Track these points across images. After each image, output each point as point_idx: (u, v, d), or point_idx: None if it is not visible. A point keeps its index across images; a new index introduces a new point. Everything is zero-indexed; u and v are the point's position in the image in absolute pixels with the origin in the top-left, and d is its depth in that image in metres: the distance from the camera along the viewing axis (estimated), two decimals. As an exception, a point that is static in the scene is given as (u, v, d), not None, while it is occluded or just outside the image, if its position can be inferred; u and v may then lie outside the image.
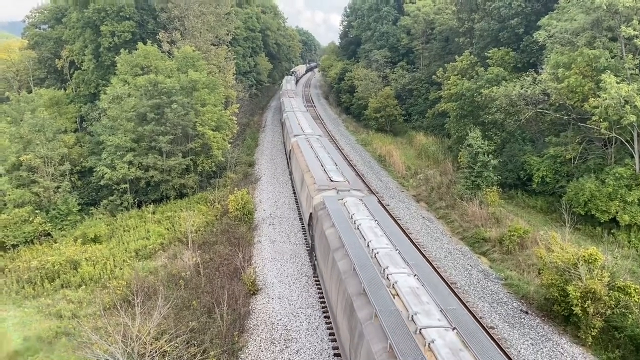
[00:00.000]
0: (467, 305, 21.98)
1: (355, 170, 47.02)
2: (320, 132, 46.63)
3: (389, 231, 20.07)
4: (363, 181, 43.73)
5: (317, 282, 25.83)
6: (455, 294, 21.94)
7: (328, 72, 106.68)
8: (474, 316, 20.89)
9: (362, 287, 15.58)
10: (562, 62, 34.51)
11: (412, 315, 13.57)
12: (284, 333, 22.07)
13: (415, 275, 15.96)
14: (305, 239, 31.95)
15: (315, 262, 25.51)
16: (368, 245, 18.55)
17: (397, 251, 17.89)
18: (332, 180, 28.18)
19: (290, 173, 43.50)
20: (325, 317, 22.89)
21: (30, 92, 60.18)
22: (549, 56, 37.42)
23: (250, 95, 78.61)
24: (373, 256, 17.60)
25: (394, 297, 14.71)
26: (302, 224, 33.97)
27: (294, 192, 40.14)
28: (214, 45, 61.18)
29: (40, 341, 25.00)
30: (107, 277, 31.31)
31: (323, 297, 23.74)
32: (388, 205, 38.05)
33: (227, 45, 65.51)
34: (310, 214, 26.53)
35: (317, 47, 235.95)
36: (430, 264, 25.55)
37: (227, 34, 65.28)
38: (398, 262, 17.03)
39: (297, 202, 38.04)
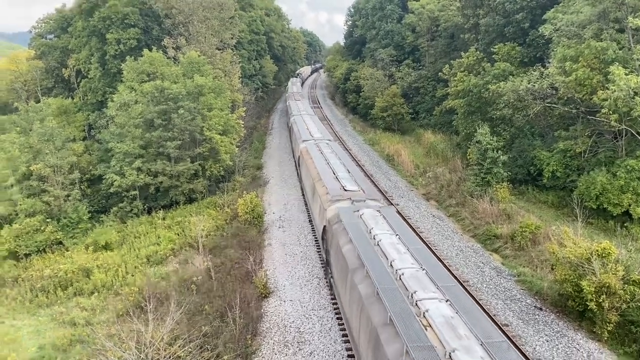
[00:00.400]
0: (506, 333, 19.99)
1: (364, 171, 46.89)
2: (330, 136, 45.65)
3: (412, 247, 18.43)
4: (374, 184, 43.56)
5: (334, 301, 24.93)
6: (494, 321, 20.01)
7: (333, 73, 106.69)
8: (519, 350, 18.81)
9: (389, 316, 13.90)
10: (569, 55, 34.24)
11: (450, 353, 11.87)
12: (296, 335, 22.03)
13: (447, 301, 14.34)
14: (315, 241, 31.86)
15: (332, 280, 24.05)
16: (391, 265, 16.96)
17: (424, 271, 16.30)
18: (346, 190, 26.68)
19: (300, 180, 42.53)
20: (337, 318, 22.82)
21: (38, 101, 60.62)
22: (555, 50, 37.15)
23: (256, 99, 78.75)
24: (398, 278, 16.02)
25: (426, 329, 13.03)
26: (312, 225, 33.88)
27: (303, 195, 39.95)
28: (219, 49, 61.36)
29: (55, 349, 25.16)
30: (119, 283, 31.48)
31: (335, 299, 23.57)
32: (398, 204, 37.91)
33: (232, 49, 65.68)
34: (324, 226, 25.14)
35: (322, 47, 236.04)
36: (462, 284, 23.20)
37: (232, 38, 65.46)
38: (427, 285, 15.32)
39: (306, 205, 37.91)
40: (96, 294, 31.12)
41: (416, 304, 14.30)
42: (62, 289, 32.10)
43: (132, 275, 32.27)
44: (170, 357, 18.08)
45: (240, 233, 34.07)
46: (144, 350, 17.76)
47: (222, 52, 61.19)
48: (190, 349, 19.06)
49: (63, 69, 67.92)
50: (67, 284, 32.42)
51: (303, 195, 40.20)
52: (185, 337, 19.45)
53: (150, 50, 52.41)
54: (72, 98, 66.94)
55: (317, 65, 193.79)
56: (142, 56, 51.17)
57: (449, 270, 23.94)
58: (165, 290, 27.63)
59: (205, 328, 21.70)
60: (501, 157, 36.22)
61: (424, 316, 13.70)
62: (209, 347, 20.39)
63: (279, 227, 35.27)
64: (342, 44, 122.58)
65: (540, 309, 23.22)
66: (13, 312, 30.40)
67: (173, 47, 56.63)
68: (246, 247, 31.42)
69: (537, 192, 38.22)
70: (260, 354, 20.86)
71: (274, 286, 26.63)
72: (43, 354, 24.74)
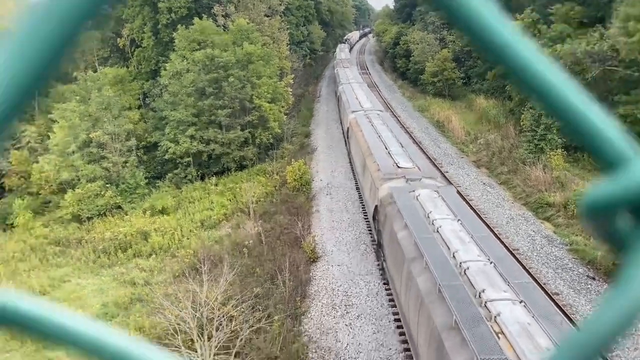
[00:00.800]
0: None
1: (413, 138, 46.42)
2: (381, 106, 44.21)
3: (477, 236, 16.46)
4: (425, 154, 43.10)
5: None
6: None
7: (382, 37, 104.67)
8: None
9: (454, 319, 12.22)
10: (633, 15, 32.32)
11: None
12: (344, 299, 22.58)
13: (522, 303, 12.43)
14: (362, 208, 32.11)
15: (384, 264, 22.63)
16: (454, 256, 15.28)
17: (492, 264, 14.47)
18: (399, 167, 24.79)
19: (349, 152, 41.74)
20: (384, 283, 23.18)
21: (95, 71, 62.69)
22: (618, 9, 35.12)
23: (304, 65, 78.59)
24: (462, 273, 14.34)
25: (498, 337, 11.34)
26: (359, 193, 34.09)
27: (351, 165, 39.88)
28: (267, 16, 61.31)
29: (117, 306, 26.82)
30: (175, 246, 32.94)
31: (382, 267, 23.88)
32: (447, 172, 37.53)
33: (280, 16, 65.50)
34: (376, 206, 23.73)
35: (371, 12, 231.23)
36: (537, 281, 20.70)
37: (280, 4, 65.18)
38: (496, 282, 13.45)
39: (353, 173, 38.00)
40: (154, 255, 32.71)
41: (485, 306, 12.53)
42: (122, 250, 33.88)
43: (188, 239, 33.67)
44: (223, 316, 19.00)
45: (289, 199, 34.77)
46: (199, 310, 18.75)
47: (270, 19, 61.15)
48: (242, 309, 19.94)
49: (118, 39, 69.74)
50: (127, 246, 34.18)
51: (351, 165, 40.17)
52: (238, 298, 20.34)
53: (201, 18, 53.00)
54: (127, 67, 68.81)
55: (366, 30, 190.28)
56: (193, 25, 51.86)
57: (520, 263, 21.53)
58: (219, 253, 28.75)
59: (257, 290, 22.57)
60: (556, 123, 35.00)
61: (495, 321, 11.92)
62: (260, 307, 21.26)
63: (327, 194, 35.69)
64: (391, 7, 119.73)
65: (593, 278, 22.78)
66: (78, 272, 32.43)
67: (222, 15, 57.01)
68: (295, 213, 32.09)
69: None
70: (309, 315, 21.58)
71: (321, 251, 27.21)
72: (106, 311, 26.42)
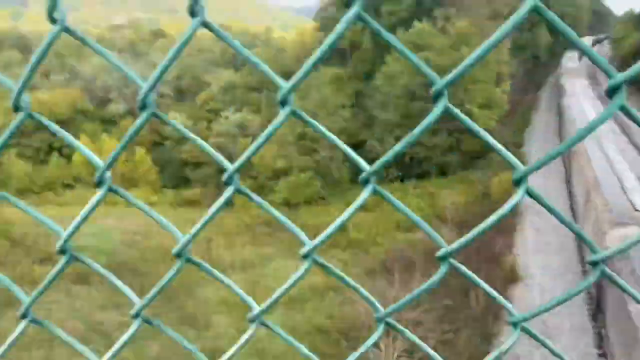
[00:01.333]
0: None
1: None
2: (616, 126, 37.98)
3: None
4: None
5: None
6: None
7: (620, 44, 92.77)
8: None
9: None
10: None
11: None
12: (542, 328, 20.58)
13: None
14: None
15: (603, 332, 18.68)
16: None
17: None
18: (637, 210, 20.27)
19: (568, 176, 36.68)
20: (593, 320, 20.51)
21: (317, 70, 67.42)
22: None
23: (524, 73, 73.74)
24: None
25: None
26: (573, 214, 30.68)
27: (567, 185, 35.98)
28: (490, 19, 58.82)
29: (312, 291, 28.44)
30: (370, 242, 33.76)
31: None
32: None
33: (504, 19, 62.35)
34: None
35: (611, 16, 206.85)
36: None
37: (506, 6, 61.98)
38: None
39: (569, 194, 34.23)
40: (349, 249, 34.00)
41: None
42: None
43: (382, 237, 34.27)
44: (410, 320, 18.84)
45: (492, 212, 32.96)
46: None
47: (493, 23, 58.57)
48: (430, 317, 19.55)
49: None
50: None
51: (567, 186, 36.17)
52: (427, 306, 19.96)
53: (420, 21, 53.21)
54: (345, 67, 72.58)
55: (601, 36, 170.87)
56: (412, 27, 52.36)
57: None
58: (411, 256, 28.64)
59: (447, 301, 21.89)
60: None
61: None
62: (448, 319, 20.60)
63: (535, 213, 32.92)
64: (637, 11, 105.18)
65: None
66: (282, 253, 35.31)
67: (442, 19, 56.43)
68: (496, 227, 30.15)
69: None
70: (501, 339, 20.19)
71: (522, 273, 25.27)
72: (301, 294, 28.23)
